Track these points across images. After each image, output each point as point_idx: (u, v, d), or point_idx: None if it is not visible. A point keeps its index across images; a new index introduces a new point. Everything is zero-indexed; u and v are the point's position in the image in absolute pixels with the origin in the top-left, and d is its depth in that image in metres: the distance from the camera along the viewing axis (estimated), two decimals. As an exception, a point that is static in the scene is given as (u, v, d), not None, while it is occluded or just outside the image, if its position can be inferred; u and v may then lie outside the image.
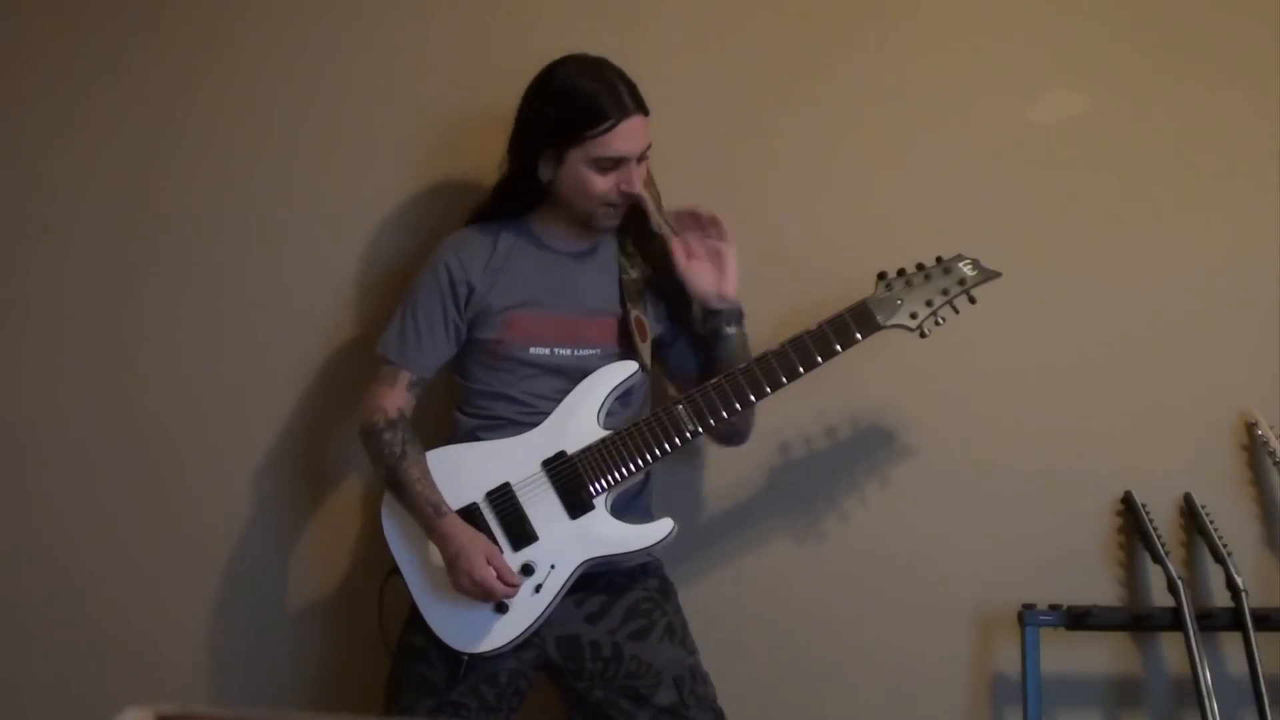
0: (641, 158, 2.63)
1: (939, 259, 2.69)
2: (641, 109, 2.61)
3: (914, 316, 2.66)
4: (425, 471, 2.65)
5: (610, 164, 2.60)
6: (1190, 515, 2.93)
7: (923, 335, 2.67)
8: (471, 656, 2.62)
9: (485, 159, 2.81)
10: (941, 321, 2.68)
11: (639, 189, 2.63)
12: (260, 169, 3.10)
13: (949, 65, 3.03)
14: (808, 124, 3.04)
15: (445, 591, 2.63)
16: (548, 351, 2.69)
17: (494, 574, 2.58)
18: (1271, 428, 2.88)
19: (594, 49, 2.67)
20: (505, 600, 2.60)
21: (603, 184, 2.62)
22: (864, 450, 2.99)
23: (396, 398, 2.70)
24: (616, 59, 2.65)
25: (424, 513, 2.63)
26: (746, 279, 2.85)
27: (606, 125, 2.57)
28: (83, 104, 3.12)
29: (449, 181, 3.03)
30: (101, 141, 3.12)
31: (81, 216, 3.12)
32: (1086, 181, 3.02)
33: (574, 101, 2.58)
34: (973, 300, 2.69)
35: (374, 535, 2.82)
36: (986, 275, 2.69)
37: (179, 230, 3.11)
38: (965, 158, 3.03)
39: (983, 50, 3.04)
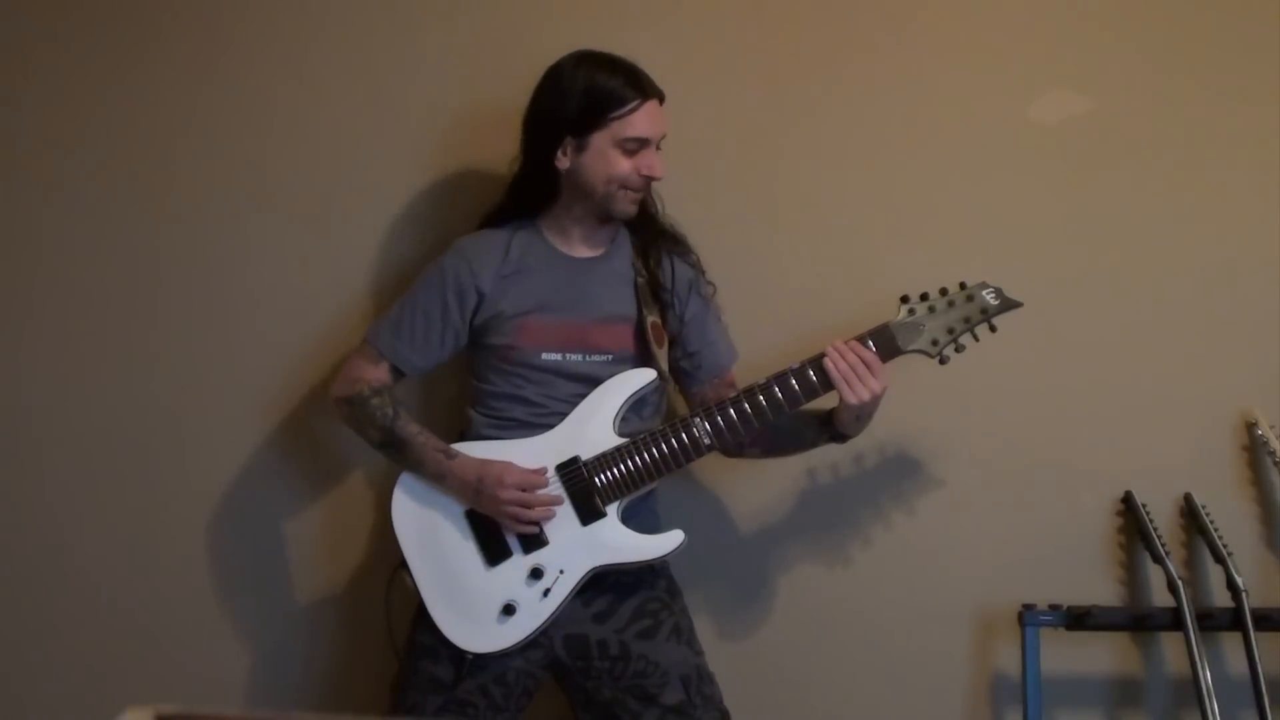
0: (658, 145, 2.66)
1: (962, 285, 2.66)
2: (659, 94, 2.65)
3: (935, 343, 2.64)
4: (422, 426, 2.66)
5: (635, 145, 2.62)
6: (1190, 515, 2.94)
7: (942, 362, 2.65)
8: (477, 655, 2.61)
9: (494, 156, 2.82)
10: (962, 349, 2.66)
11: (660, 172, 2.66)
12: (267, 166, 3.09)
13: (953, 67, 3.03)
14: (813, 129, 3.04)
15: (453, 590, 2.63)
16: (559, 357, 2.68)
17: (520, 495, 2.59)
18: (1271, 428, 2.89)
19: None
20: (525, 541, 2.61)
21: (625, 165, 2.63)
22: (863, 452, 2.98)
23: (379, 374, 2.71)
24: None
25: (434, 459, 2.63)
26: (758, 290, 2.85)
27: (632, 106, 2.60)
28: (87, 103, 3.10)
29: (458, 179, 3.02)
30: (105, 141, 3.10)
31: (88, 215, 3.10)
32: (1086, 181, 3.01)
33: (598, 88, 2.61)
34: (993, 329, 2.67)
35: (382, 533, 2.81)
36: (1009, 304, 2.66)
37: (188, 227, 3.10)
38: (966, 159, 3.02)
39: (986, 51, 3.03)
